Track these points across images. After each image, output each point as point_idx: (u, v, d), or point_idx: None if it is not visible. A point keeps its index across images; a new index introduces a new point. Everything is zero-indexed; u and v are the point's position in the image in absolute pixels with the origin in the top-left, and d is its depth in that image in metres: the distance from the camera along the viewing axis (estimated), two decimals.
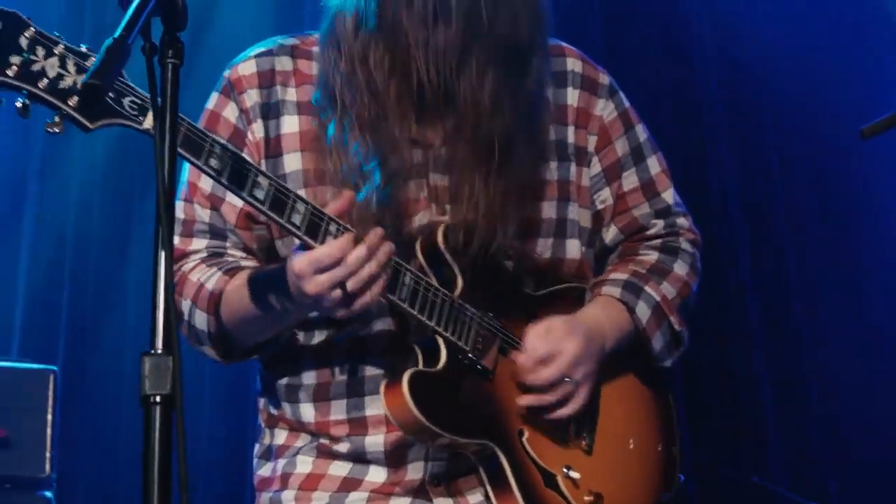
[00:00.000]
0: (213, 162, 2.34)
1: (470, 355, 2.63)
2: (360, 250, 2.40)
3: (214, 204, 2.70)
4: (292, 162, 2.70)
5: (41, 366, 5.07)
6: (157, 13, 1.82)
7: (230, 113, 2.74)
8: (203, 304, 2.64)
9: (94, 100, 1.65)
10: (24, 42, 2.15)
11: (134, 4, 1.76)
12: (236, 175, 2.36)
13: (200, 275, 2.68)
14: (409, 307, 2.55)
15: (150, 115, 2.24)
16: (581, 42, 3.05)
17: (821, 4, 6.30)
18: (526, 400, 2.68)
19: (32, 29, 2.17)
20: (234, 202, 2.67)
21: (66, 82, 2.18)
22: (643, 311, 2.83)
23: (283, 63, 2.77)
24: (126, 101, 2.24)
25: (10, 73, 2.13)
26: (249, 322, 2.62)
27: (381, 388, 2.57)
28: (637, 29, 6.46)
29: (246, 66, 2.76)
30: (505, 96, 2.66)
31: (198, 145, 2.32)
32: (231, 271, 2.67)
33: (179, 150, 2.20)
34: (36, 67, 2.15)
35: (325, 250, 2.39)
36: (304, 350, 2.73)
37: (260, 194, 2.38)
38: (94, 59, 2.19)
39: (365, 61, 2.61)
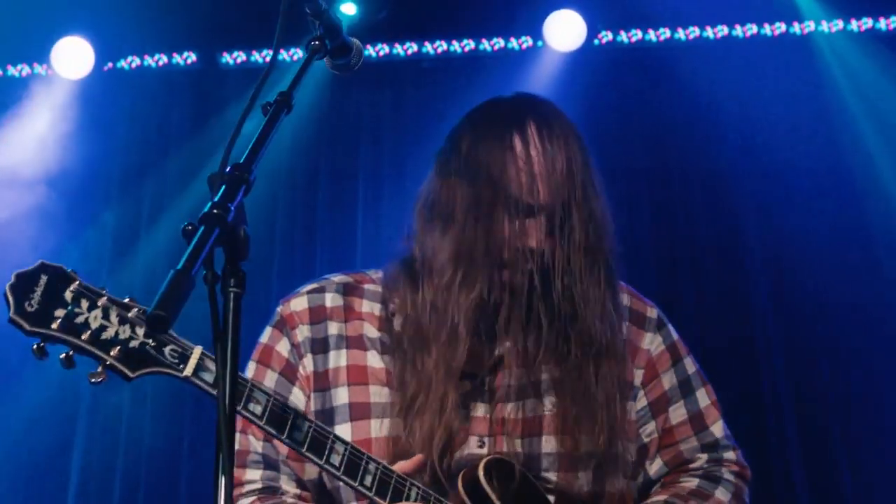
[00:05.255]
0: (252, 407, 2.38)
1: None
2: None
3: (267, 436, 2.67)
4: (340, 396, 2.70)
5: None
6: (219, 244, 1.84)
7: (283, 347, 2.75)
8: None
9: (159, 330, 1.67)
10: (68, 295, 2.22)
11: (197, 236, 1.80)
12: (276, 419, 2.40)
13: None
14: None
15: (190, 363, 2.31)
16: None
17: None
18: None
19: (77, 282, 2.23)
20: None
21: (109, 333, 2.24)
22: None
23: (335, 299, 2.79)
24: (167, 349, 2.30)
25: (54, 326, 2.19)
26: None
27: None
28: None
29: (298, 302, 2.79)
30: (603, 309, 2.66)
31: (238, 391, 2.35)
32: None
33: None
34: (79, 320, 2.21)
35: None
36: None
37: (298, 436, 2.41)
38: (136, 310, 2.28)
39: (461, 292, 2.62)
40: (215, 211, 1.84)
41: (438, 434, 2.58)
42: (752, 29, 6.97)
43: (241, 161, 1.98)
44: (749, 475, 2.91)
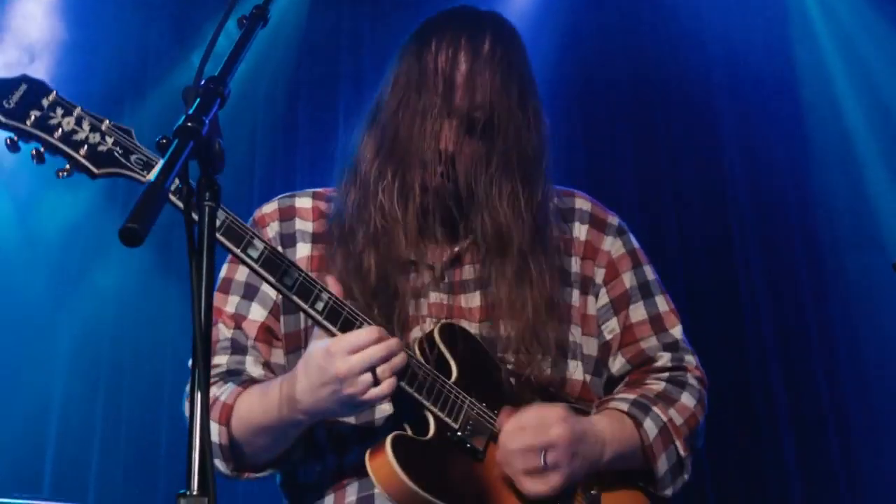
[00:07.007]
0: (250, 252, 2.48)
1: (459, 433, 2.62)
2: (396, 340, 2.50)
3: (238, 322, 2.81)
4: None
5: None
6: (194, 157, 1.82)
7: None
8: (216, 414, 2.67)
9: (132, 243, 1.64)
10: (45, 102, 2.37)
11: (171, 149, 1.78)
12: (270, 263, 2.49)
13: (216, 389, 2.72)
14: (406, 385, 2.56)
15: (153, 171, 2.37)
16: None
17: None
18: (497, 454, 2.65)
19: (55, 94, 2.38)
20: (255, 318, 2.80)
21: (79, 136, 2.38)
22: (650, 427, 2.79)
23: (304, 202, 2.95)
24: (133, 157, 2.41)
25: (28, 122, 2.33)
26: (260, 432, 2.66)
27: (367, 455, 2.56)
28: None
29: (268, 206, 2.95)
30: (520, 207, 2.78)
31: (239, 235, 2.47)
32: (245, 383, 2.73)
33: (221, 237, 2.41)
34: (52, 122, 2.36)
35: (363, 333, 2.48)
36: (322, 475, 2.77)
37: (289, 282, 2.50)
38: (108, 123, 2.42)
39: (379, 187, 2.76)
40: (189, 124, 1.82)
41: (395, 315, 2.71)
42: None
43: (216, 74, 1.95)
44: (707, 382, 3.00)
